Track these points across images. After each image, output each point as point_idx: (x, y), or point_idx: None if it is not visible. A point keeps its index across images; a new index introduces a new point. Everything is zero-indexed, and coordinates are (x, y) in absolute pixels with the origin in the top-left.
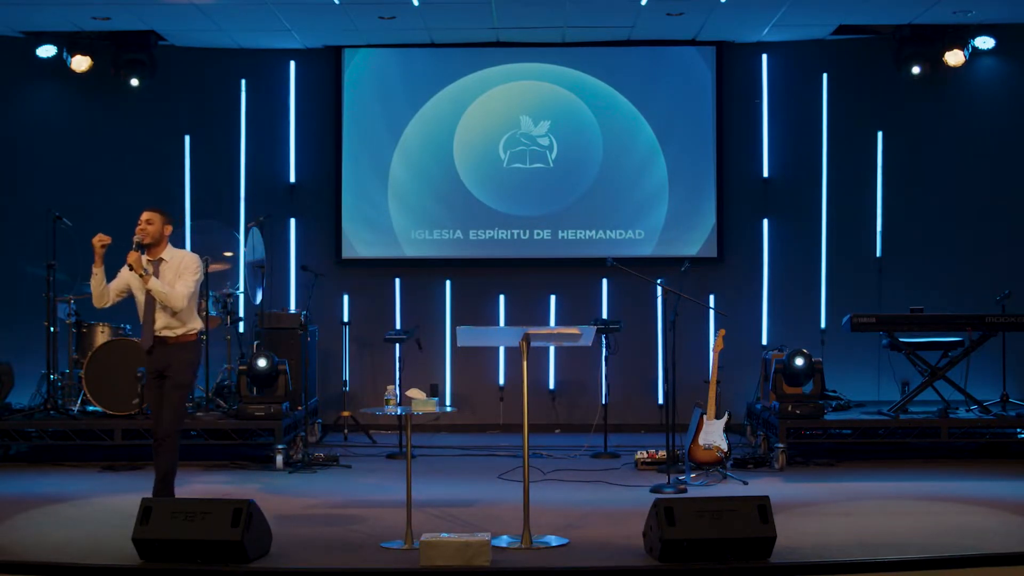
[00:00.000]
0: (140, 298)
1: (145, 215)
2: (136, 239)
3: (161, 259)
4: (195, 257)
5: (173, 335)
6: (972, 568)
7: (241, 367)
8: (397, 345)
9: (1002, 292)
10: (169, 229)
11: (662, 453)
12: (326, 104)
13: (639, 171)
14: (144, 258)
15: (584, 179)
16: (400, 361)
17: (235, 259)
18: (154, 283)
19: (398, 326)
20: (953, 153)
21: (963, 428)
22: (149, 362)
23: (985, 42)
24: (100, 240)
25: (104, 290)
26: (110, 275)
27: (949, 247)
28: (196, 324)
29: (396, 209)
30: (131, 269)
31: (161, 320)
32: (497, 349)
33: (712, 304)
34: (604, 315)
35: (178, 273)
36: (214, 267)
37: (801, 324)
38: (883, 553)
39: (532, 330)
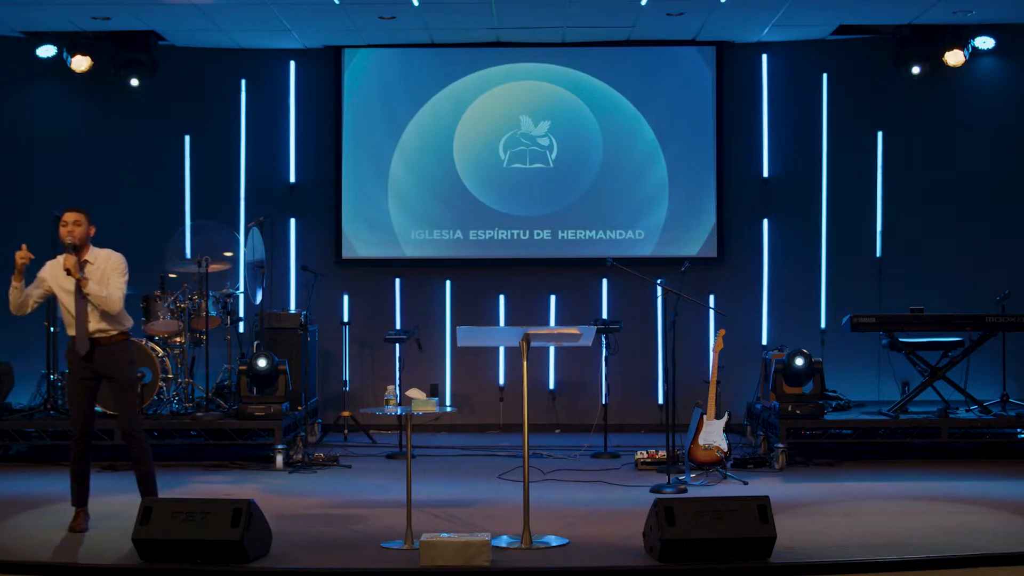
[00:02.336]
0: (67, 301)
1: (72, 216)
2: (68, 242)
3: (86, 261)
4: (121, 256)
5: (107, 336)
6: (972, 568)
7: (241, 367)
8: (397, 345)
9: (1002, 292)
10: (93, 230)
11: (662, 453)
12: (326, 104)
13: (639, 171)
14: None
15: (584, 179)
16: (400, 361)
17: (235, 259)
18: (92, 287)
19: (398, 326)
20: (953, 153)
21: (963, 428)
22: (82, 365)
23: (985, 42)
24: (24, 257)
25: (25, 299)
26: (29, 279)
27: (949, 247)
28: (128, 323)
29: (396, 209)
30: (69, 274)
31: (94, 322)
32: (497, 349)
33: (712, 304)
34: (604, 315)
35: (105, 274)
36: (214, 267)
37: (801, 324)
38: (883, 553)
39: (532, 330)
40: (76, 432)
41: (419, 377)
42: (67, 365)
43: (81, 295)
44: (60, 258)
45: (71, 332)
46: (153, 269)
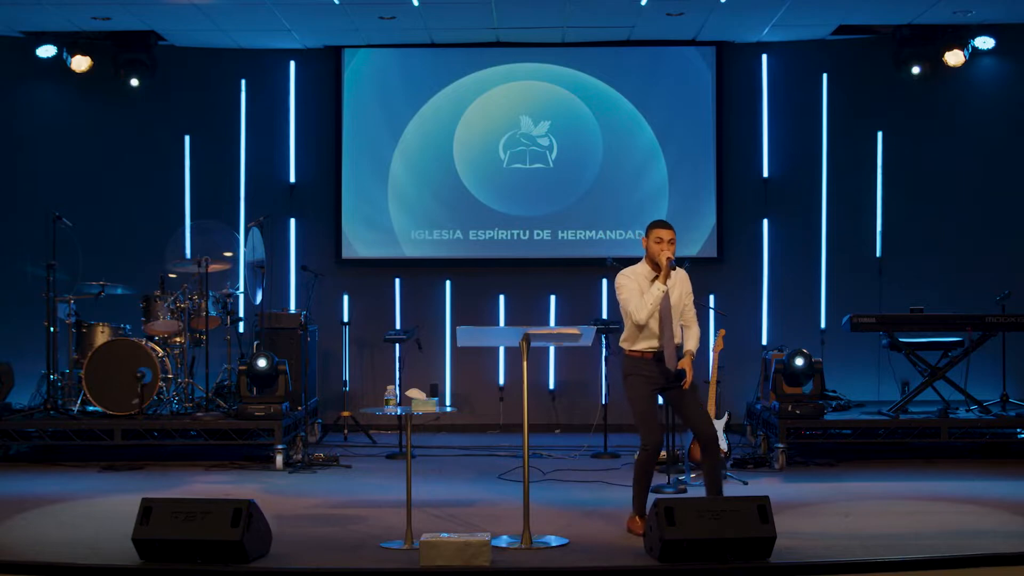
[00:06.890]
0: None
1: (669, 234)
2: (667, 259)
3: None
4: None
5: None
6: (972, 568)
7: (241, 367)
8: (397, 345)
9: (1002, 292)
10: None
11: (662, 453)
12: (326, 104)
13: (639, 171)
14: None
15: (584, 179)
16: (400, 361)
17: (235, 259)
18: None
19: (398, 326)
20: (953, 153)
21: (963, 428)
22: (656, 375)
23: (985, 42)
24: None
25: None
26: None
27: (949, 247)
28: None
29: (396, 209)
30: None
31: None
32: (497, 349)
33: (712, 304)
34: (604, 315)
35: (683, 294)
36: (214, 267)
37: (801, 324)
38: (883, 553)
39: (532, 330)
40: (655, 443)
41: (419, 377)
42: (633, 377)
43: (669, 307)
44: (640, 269)
45: (647, 345)
46: (153, 269)
